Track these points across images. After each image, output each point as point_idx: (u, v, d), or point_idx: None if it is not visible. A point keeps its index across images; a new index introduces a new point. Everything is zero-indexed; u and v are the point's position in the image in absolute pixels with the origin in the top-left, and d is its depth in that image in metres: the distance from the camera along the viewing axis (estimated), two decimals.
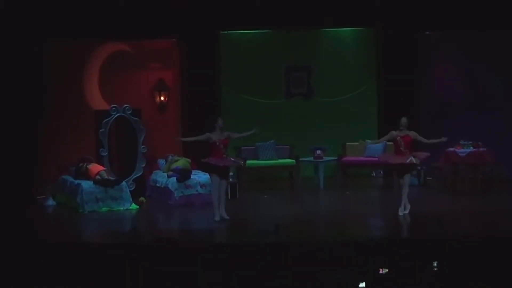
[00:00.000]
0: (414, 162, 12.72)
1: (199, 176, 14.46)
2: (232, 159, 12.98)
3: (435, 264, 9.22)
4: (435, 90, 16.61)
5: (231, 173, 13.59)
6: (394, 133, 12.79)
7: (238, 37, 17.15)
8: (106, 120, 14.87)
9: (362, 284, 8.84)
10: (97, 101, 16.17)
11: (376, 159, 15.80)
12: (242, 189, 14.91)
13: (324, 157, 16.10)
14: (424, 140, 12.82)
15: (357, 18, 16.22)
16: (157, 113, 16.57)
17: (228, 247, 11.16)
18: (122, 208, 13.90)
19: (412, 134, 12.76)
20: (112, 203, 13.91)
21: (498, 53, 16.08)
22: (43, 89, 15.40)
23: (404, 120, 12.75)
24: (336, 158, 16.26)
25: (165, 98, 16.65)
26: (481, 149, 14.74)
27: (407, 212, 12.74)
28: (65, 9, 14.92)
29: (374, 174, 17.41)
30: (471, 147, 14.75)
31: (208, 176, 14.05)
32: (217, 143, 12.39)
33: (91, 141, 15.15)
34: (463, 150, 14.71)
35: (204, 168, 13.28)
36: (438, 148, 13.96)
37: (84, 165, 14.39)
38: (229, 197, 13.98)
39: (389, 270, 9.19)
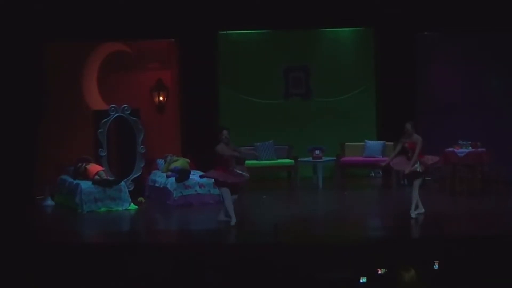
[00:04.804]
0: (418, 170, 12.40)
1: (198, 177, 14.44)
2: (238, 171, 12.50)
3: (434, 264, 9.23)
4: (433, 90, 16.59)
5: None
6: (402, 140, 12.52)
7: (236, 37, 17.12)
8: (105, 120, 14.87)
9: (363, 279, 8.84)
10: (96, 101, 16.17)
11: (374, 159, 15.83)
12: (240, 189, 14.88)
13: (322, 157, 16.10)
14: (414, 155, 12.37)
15: (355, 18, 16.22)
16: (155, 113, 16.56)
17: (227, 247, 11.17)
18: (120, 209, 13.88)
19: (414, 138, 12.41)
20: (110, 204, 13.89)
21: (496, 53, 16.05)
22: (41, 90, 15.40)
23: (407, 125, 12.46)
24: (335, 158, 16.24)
25: (163, 98, 16.65)
26: (480, 149, 14.71)
27: (421, 212, 12.56)
28: (63, 9, 14.90)
29: (372, 174, 17.40)
30: (470, 147, 14.73)
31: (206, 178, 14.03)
32: (226, 157, 12.18)
33: (89, 141, 15.16)
34: (461, 150, 14.69)
35: (214, 182, 12.95)
36: (437, 148, 13.94)
37: (83, 165, 14.38)
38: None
39: (387, 271, 9.19)
